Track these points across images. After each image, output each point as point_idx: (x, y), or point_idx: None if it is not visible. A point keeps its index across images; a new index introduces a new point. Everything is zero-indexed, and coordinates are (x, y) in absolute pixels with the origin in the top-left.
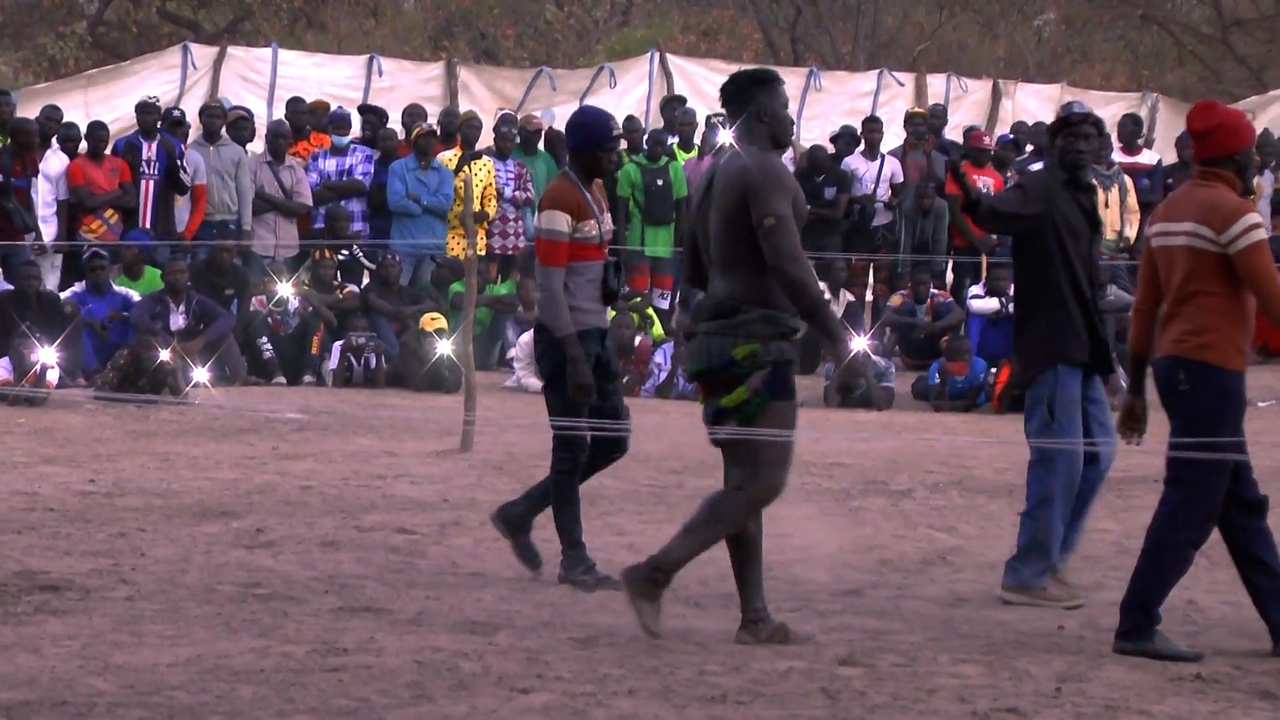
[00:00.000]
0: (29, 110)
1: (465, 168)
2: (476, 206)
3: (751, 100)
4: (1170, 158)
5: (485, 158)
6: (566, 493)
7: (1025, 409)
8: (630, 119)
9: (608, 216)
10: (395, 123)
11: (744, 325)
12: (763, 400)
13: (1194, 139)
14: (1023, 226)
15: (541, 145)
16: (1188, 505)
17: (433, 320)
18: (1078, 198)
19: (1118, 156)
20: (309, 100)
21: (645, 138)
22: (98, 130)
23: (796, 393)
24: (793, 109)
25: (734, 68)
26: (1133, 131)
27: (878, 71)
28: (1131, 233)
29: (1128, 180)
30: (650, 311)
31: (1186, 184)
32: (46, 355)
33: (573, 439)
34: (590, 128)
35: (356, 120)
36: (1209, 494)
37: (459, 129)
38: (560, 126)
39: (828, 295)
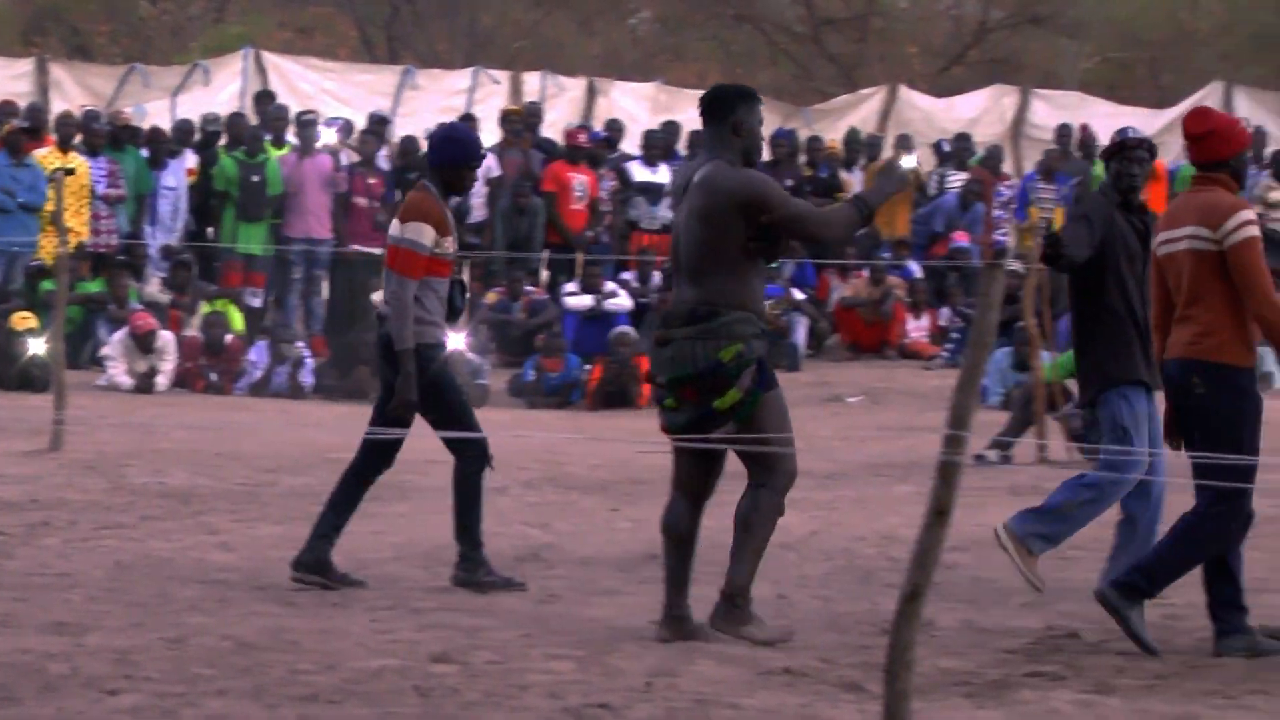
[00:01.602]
0: None
1: (58, 165)
2: (72, 203)
3: (731, 114)
4: (767, 155)
5: (77, 155)
6: (474, 494)
7: (1092, 429)
8: (235, 115)
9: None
10: None
11: (726, 327)
12: (756, 396)
13: (1190, 143)
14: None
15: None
16: (1229, 512)
17: (23, 319)
18: (1131, 220)
19: None
20: None
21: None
22: None
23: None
24: (387, 107)
25: (330, 64)
26: None
27: (474, 69)
28: None
29: None
30: (232, 308)
31: (1185, 192)
32: None
33: (477, 440)
34: (460, 145)
35: None
36: (1247, 499)
37: (55, 126)
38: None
39: None
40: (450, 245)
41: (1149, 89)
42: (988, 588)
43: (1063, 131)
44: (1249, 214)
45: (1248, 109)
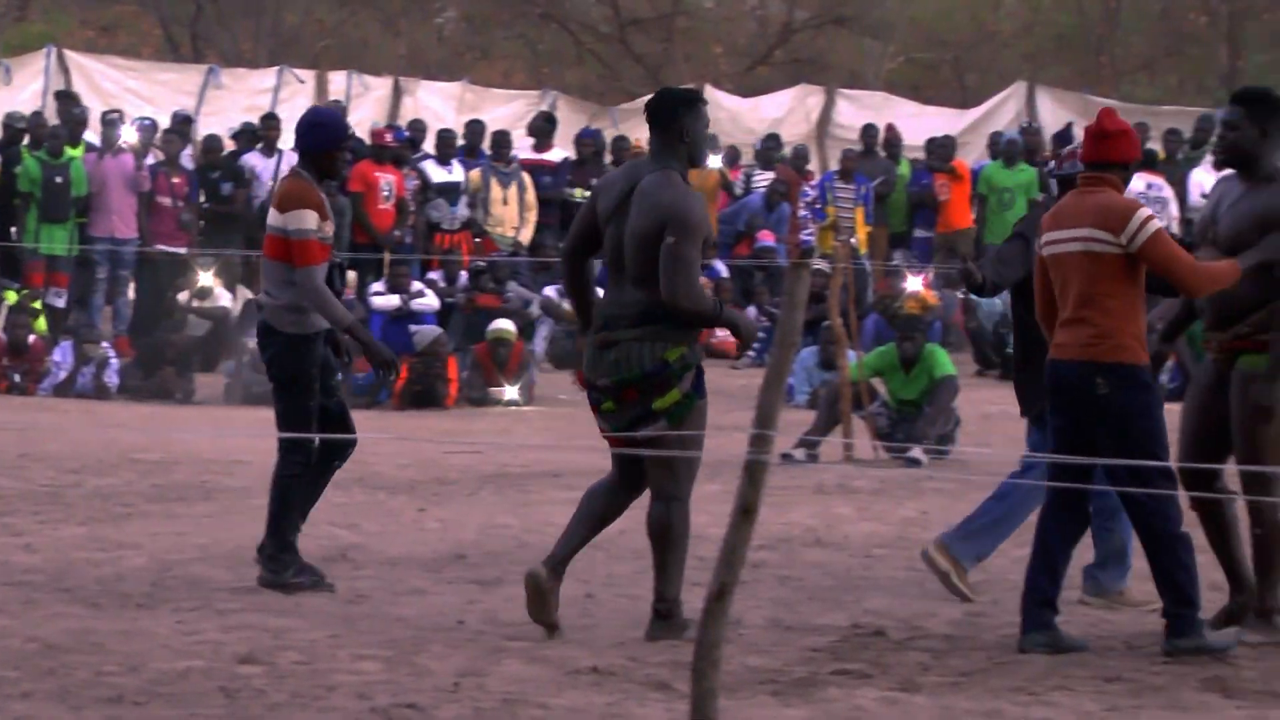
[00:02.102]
0: None
1: None
2: None
3: (676, 120)
4: (573, 154)
5: None
6: (292, 496)
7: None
8: (35, 115)
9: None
10: None
11: (671, 331)
12: (692, 400)
13: (1097, 139)
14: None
15: None
16: (1165, 500)
17: None
18: None
19: (524, 154)
20: None
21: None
22: None
23: None
24: (191, 106)
25: (134, 63)
26: (544, 129)
27: (278, 69)
28: (528, 232)
29: (527, 178)
30: (38, 306)
31: (1074, 191)
32: None
33: (302, 442)
34: (326, 128)
35: None
36: (1173, 481)
37: None
38: None
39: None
40: (329, 229)
41: (953, 89)
42: (795, 586)
43: (867, 131)
44: (1147, 210)
45: (1050, 110)
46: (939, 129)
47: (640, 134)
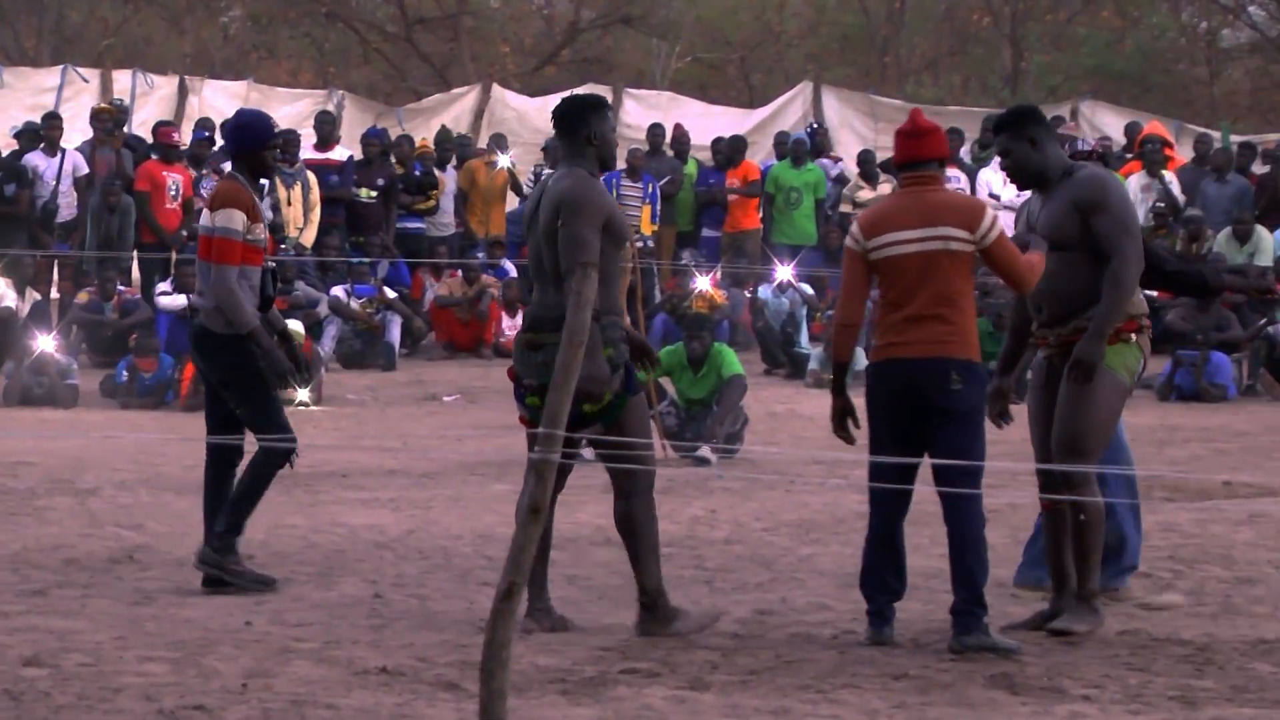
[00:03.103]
0: None
1: None
2: None
3: (585, 124)
4: (359, 154)
5: None
6: (262, 485)
7: None
8: None
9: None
10: None
11: (598, 332)
12: (624, 400)
13: (912, 138)
14: None
15: None
16: (980, 499)
17: None
18: None
19: (308, 154)
20: None
21: None
22: None
23: None
24: None
25: None
26: (327, 129)
27: (62, 67)
28: (311, 232)
29: (311, 177)
30: None
31: (903, 191)
32: None
33: (287, 436)
34: (253, 128)
35: None
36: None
37: None
38: None
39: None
40: (261, 232)
41: (740, 89)
42: (584, 585)
43: (654, 131)
44: (992, 210)
45: (835, 109)
46: (726, 129)
47: (425, 133)
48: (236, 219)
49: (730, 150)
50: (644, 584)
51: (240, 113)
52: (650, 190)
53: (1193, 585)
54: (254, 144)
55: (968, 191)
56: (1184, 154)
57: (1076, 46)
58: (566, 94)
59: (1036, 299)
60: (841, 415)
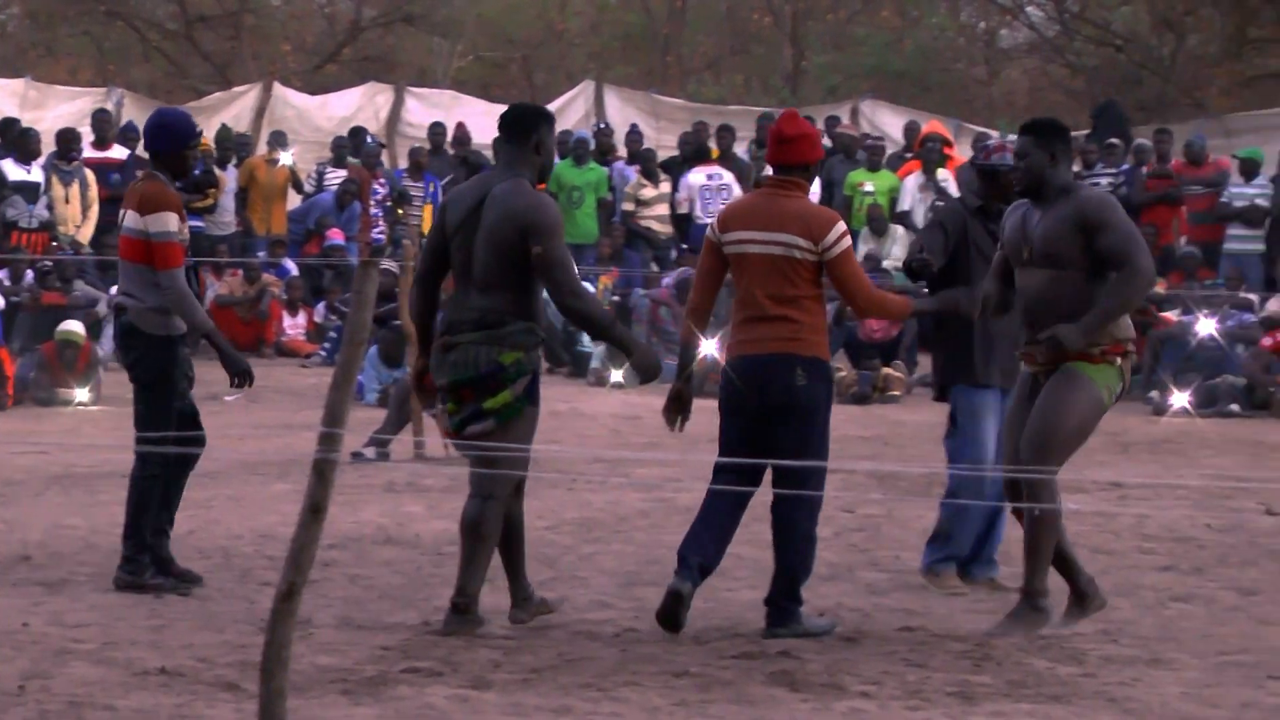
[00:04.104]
0: None
1: None
2: None
3: (534, 132)
4: (140, 152)
5: None
6: (149, 499)
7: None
8: None
9: None
10: None
11: (509, 336)
12: (522, 404)
13: (779, 143)
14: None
15: None
16: (819, 501)
17: None
18: (988, 226)
19: (88, 152)
20: None
21: None
22: None
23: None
24: None
25: None
26: (105, 128)
27: None
28: (88, 230)
29: (90, 175)
30: None
31: (762, 192)
32: None
33: (159, 444)
34: (174, 128)
35: None
36: (822, 479)
37: None
38: None
39: None
40: (186, 232)
41: (522, 88)
42: (365, 585)
43: (435, 129)
44: (844, 225)
45: (618, 108)
46: None
47: (206, 131)
48: (171, 220)
49: None
50: (465, 586)
51: (161, 112)
52: (432, 190)
53: (970, 581)
54: (178, 145)
55: (730, 183)
56: (963, 153)
57: (856, 46)
58: (516, 102)
59: (1028, 315)
60: (673, 399)
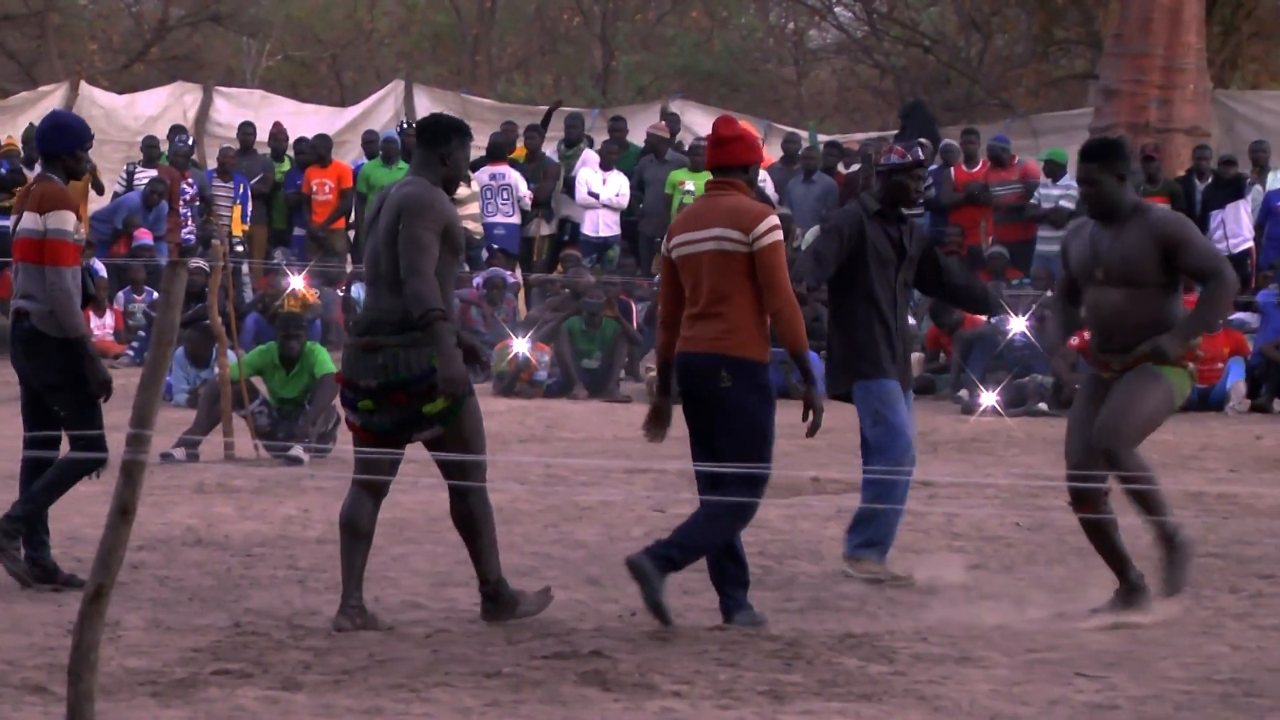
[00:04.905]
0: None
1: None
2: None
3: (445, 143)
4: None
5: None
6: (66, 484)
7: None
8: None
9: None
10: None
11: (452, 332)
12: (462, 400)
13: (716, 146)
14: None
15: None
16: (737, 508)
17: None
18: (886, 229)
19: None
20: None
21: None
22: None
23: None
24: None
25: None
26: None
27: None
28: None
29: None
30: None
31: (702, 196)
32: None
33: (98, 440)
34: (68, 130)
35: None
36: (758, 490)
37: None
38: None
39: None
40: (83, 231)
41: (331, 87)
42: (175, 586)
43: (245, 129)
44: (776, 219)
45: (427, 108)
46: (317, 127)
47: (11, 131)
48: (69, 220)
49: (317, 148)
50: (486, 575)
51: (57, 114)
52: (241, 190)
53: (781, 580)
54: (72, 146)
55: (513, 183)
56: (773, 153)
57: (666, 46)
58: (434, 113)
59: (1103, 330)
60: (653, 414)
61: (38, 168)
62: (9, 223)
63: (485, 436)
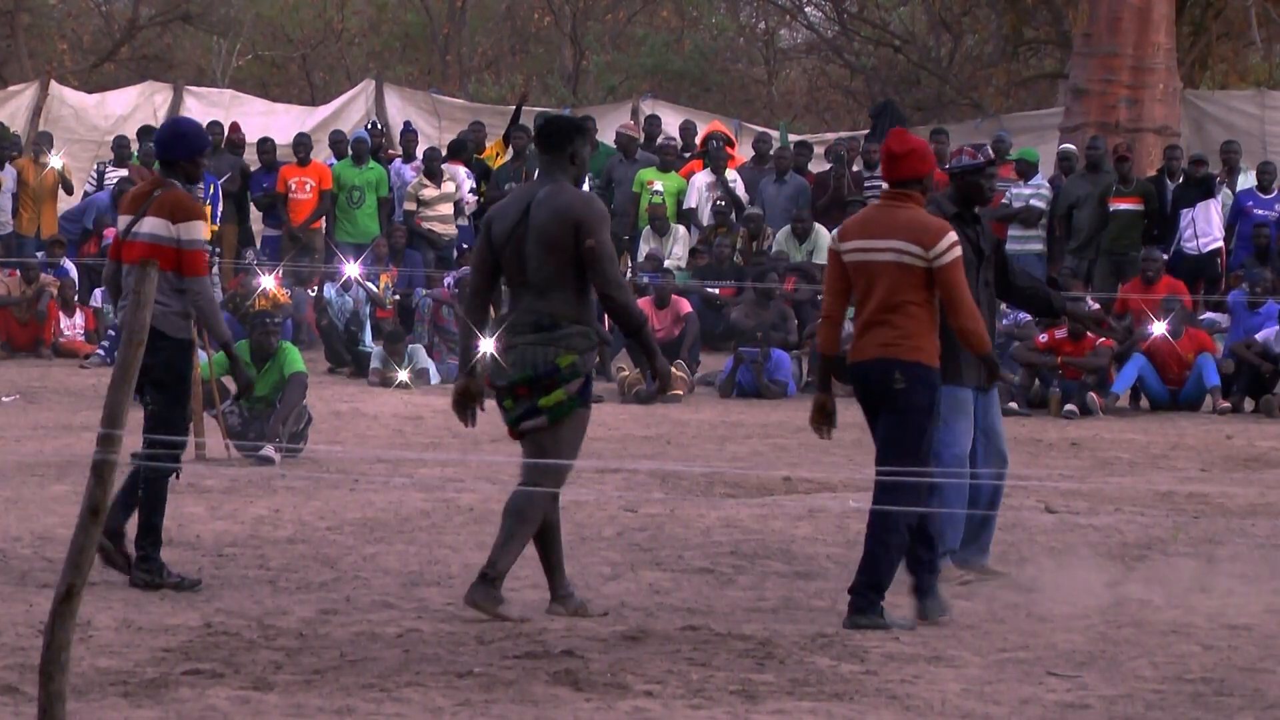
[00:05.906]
0: None
1: None
2: None
3: (569, 144)
4: None
5: None
6: (162, 495)
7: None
8: None
9: None
10: None
11: (565, 338)
12: (574, 404)
13: (891, 160)
14: None
15: None
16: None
17: None
18: (965, 230)
19: None
20: None
21: None
22: None
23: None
24: None
25: None
26: None
27: None
28: None
29: None
30: None
31: (879, 204)
32: None
33: (174, 444)
34: (190, 138)
35: None
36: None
37: None
38: None
39: None
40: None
41: (302, 87)
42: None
43: (214, 128)
44: (955, 236)
45: (398, 108)
46: (288, 127)
47: None
48: (202, 230)
49: (294, 149)
50: (499, 562)
51: (178, 121)
52: (212, 190)
53: (753, 580)
54: (194, 152)
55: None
56: (744, 153)
57: (636, 46)
58: (552, 113)
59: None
60: (817, 410)
61: (9, 168)
62: (120, 225)
63: (579, 450)
